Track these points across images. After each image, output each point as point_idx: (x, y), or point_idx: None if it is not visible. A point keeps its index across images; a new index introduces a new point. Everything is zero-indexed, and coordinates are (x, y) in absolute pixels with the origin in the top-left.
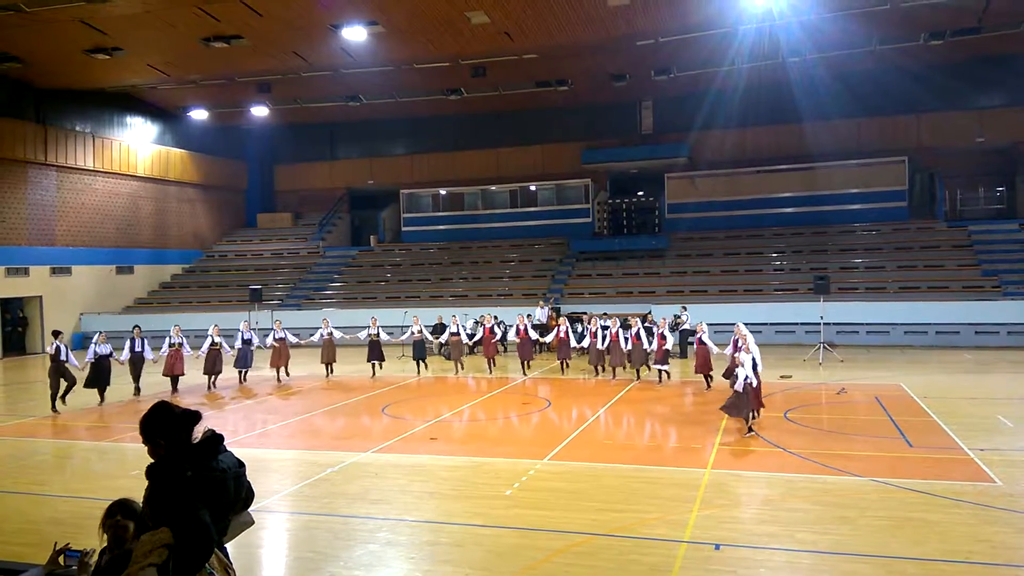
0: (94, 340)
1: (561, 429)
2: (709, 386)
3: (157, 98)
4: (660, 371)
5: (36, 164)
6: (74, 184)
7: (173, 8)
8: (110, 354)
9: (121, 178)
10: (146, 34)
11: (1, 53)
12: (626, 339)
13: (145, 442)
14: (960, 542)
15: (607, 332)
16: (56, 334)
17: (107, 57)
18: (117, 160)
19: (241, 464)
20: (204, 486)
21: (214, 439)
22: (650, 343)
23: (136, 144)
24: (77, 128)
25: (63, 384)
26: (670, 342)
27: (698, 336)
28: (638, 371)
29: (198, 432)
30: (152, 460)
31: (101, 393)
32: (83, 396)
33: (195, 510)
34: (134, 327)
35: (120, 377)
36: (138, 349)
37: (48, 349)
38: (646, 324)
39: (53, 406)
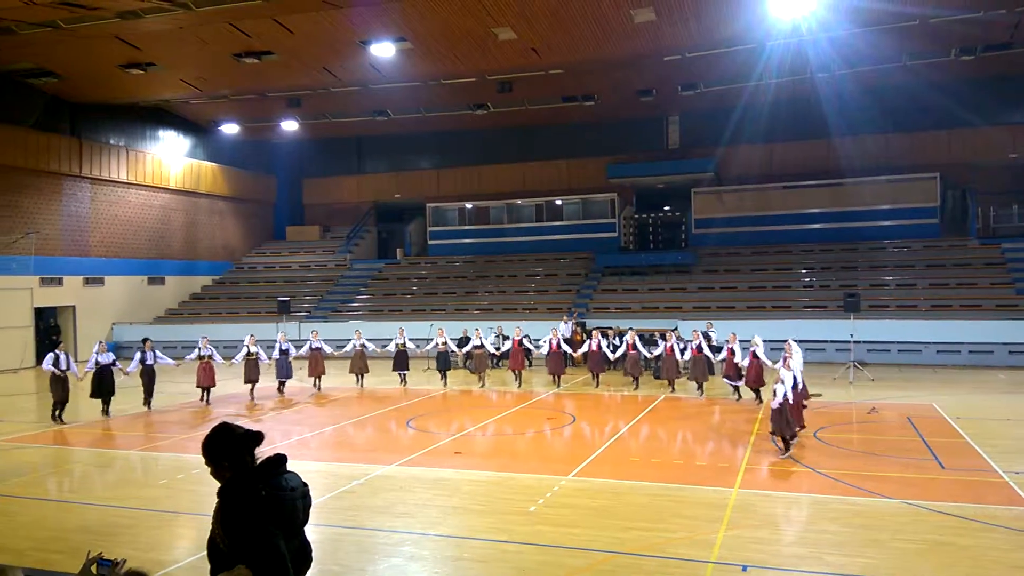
0: (95, 350)
1: (586, 445)
2: (738, 396)
3: (189, 112)
4: (735, 387)
5: (71, 176)
6: (107, 196)
7: (206, 25)
8: (112, 363)
9: (153, 191)
10: (179, 50)
11: (38, 68)
12: (683, 351)
13: (208, 463)
14: (993, 568)
15: (660, 346)
16: (55, 344)
17: (141, 72)
18: (150, 173)
19: (305, 484)
20: (275, 506)
21: (278, 458)
22: (683, 354)
23: (168, 157)
24: (111, 141)
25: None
26: (739, 357)
27: (729, 347)
28: (671, 382)
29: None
30: (217, 481)
31: (106, 403)
32: (121, 404)
33: (271, 537)
34: (144, 340)
35: (137, 388)
36: (149, 362)
37: (47, 362)
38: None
39: (56, 415)
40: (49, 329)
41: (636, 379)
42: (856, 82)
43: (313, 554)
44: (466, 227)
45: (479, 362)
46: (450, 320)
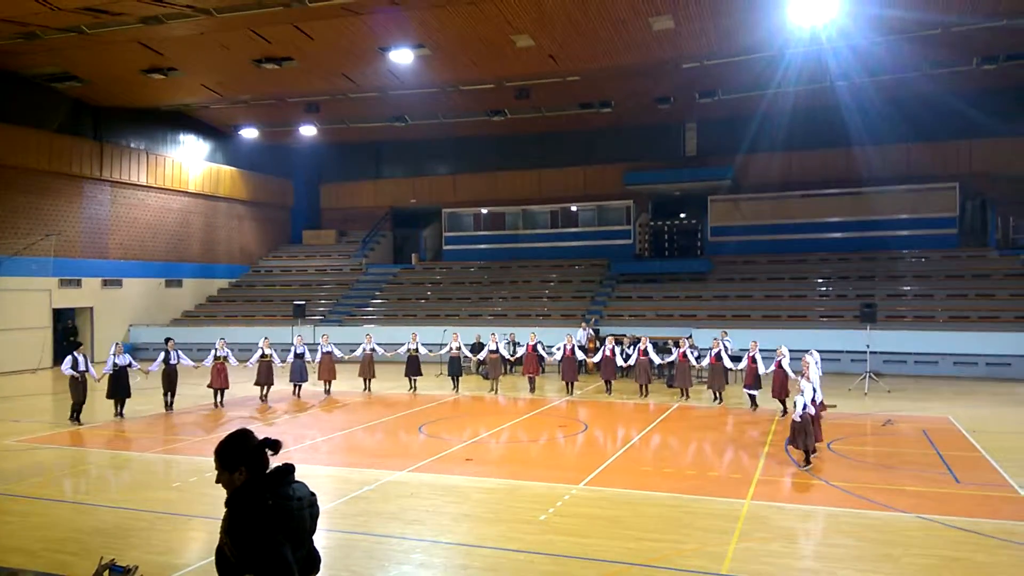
0: (111, 351)
1: (598, 453)
2: (755, 407)
3: (209, 117)
4: (751, 395)
5: (92, 179)
6: (128, 199)
7: (227, 31)
8: (129, 364)
9: (173, 194)
10: (200, 55)
11: (62, 72)
12: (699, 358)
13: (222, 469)
14: None
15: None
16: (75, 345)
17: (163, 77)
18: (169, 176)
19: (313, 494)
20: (283, 516)
21: (285, 468)
22: (699, 361)
23: (188, 161)
24: (132, 145)
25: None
26: (760, 366)
27: (750, 355)
28: (685, 390)
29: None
30: (223, 487)
31: (120, 405)
32: (137, 406)
33: (277, 547)
34: (167, 340)
35: (155, 389)
36: (172, 362)
37: (65, 365)
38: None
39: (75, 416)
40: (67, 330)
41: (644, 386)
42: (876, 90)
43: (323, 560)
44: (481, 233)
45: (493, 367)
46: (464, 326)
